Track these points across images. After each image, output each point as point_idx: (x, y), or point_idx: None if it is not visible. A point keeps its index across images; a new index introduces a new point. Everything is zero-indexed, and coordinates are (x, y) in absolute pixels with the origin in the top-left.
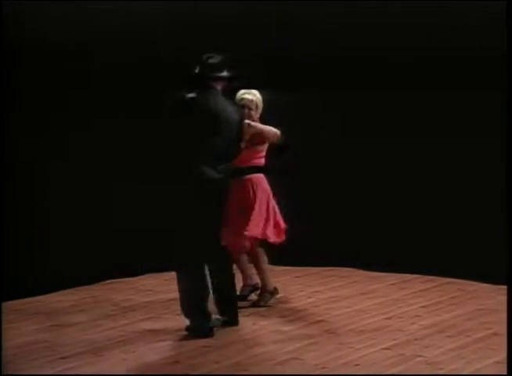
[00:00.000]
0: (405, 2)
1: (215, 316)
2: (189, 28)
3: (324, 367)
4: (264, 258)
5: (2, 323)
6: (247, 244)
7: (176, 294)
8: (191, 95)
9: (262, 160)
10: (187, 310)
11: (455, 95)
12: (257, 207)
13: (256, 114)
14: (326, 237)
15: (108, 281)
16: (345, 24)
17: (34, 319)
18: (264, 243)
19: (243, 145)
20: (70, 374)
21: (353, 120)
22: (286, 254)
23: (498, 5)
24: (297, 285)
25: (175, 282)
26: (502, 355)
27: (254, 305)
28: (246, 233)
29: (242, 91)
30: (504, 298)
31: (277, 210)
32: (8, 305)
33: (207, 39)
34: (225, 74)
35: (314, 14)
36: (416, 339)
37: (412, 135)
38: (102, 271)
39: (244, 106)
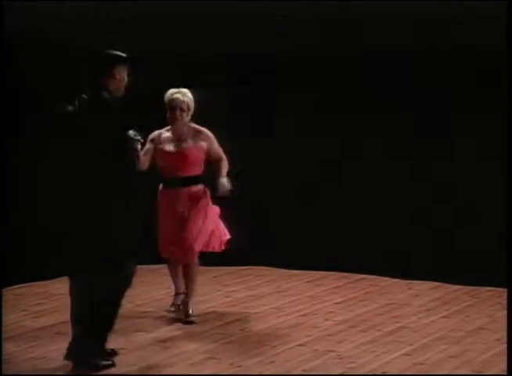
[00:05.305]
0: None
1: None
2: None
3: (239, 366)
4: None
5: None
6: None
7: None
8: None
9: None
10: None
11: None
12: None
13: (188, 115)
14: (243, 236)
15: (16, 286)
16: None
17: None
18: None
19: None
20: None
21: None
22: (203, 254)
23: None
24: (214, 285)
25: None
26: (409, 347)
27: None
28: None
29: (171, 90)
30: (413, 292)
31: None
32: None
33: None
34: None
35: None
36: (329, 335)
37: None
38: (10, 275)
39: (175, 107)
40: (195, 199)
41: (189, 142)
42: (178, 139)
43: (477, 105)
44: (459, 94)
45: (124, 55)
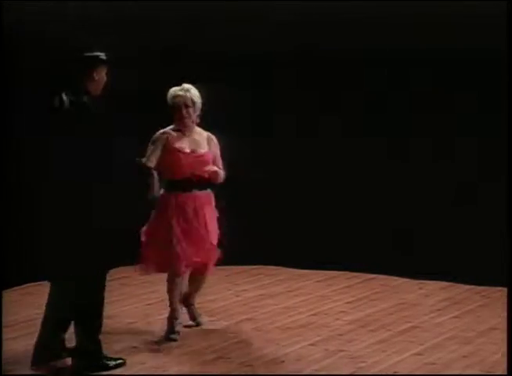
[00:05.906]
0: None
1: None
2: None
3: (250, 365)
4: None
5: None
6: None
7: None
8: None
9: None
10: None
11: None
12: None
13: (196, 112)
14: (253, 236)
15: (25, 285)
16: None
17: None
18: None
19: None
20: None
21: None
22: None
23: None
24: (224, 284)
25: None
26: (420, 347)
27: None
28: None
29: (173, 89)
30: (424, 292)
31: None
32: None
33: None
34: None
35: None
36: (340, 334)
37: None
38: (21, 275)
39: (180, 105)
40: (210, 202)
41: (205, 147)
42: (192, 139)
43: (477, 105)
44: (459, 94)
45: (103, 57)
